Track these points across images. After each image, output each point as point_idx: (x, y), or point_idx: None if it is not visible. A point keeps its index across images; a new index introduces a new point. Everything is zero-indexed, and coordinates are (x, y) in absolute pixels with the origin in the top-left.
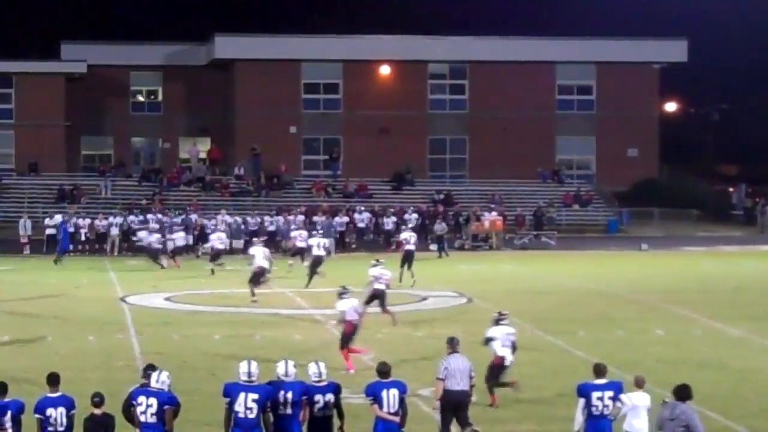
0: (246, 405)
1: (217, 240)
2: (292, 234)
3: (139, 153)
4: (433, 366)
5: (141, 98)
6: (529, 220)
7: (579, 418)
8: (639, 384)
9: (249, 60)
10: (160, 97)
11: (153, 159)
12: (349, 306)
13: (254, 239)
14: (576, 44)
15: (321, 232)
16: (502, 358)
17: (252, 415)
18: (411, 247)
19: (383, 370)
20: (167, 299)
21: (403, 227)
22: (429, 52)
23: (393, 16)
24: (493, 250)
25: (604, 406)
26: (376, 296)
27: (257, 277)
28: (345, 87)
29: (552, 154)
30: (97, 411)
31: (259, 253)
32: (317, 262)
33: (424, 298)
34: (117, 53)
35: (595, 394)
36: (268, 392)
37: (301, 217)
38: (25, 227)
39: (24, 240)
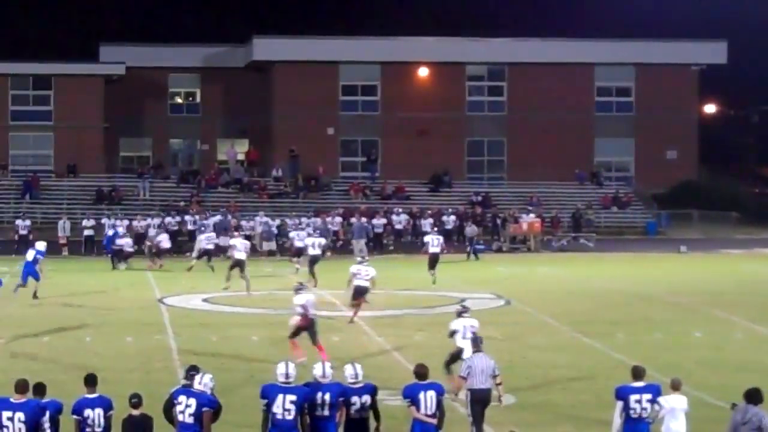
0: (284, 406)
1: (205, 240)
2: (291, 234)
3: (177, 155)
4: None
5: (179, 100)
6: (567, 222)
7: (617, 421)
8: (675, 386)
9: (287, 62)
10: (198, 99)
11: (191, 161)
12: (305, 300)
13: (236, 232)
14: (615, 46)
15: (317, 232)
16: (461, 350)
17: (290, 417)
18: (436, 249)
19: (421, 372)
20: (205, 300)
21: (429, 230)
22: (467, 53)
23: (431, 17)
24: (531, 252)
25: (642, 409)
26: (359, 293)
27: (236, 267)
28: (383, 89)
29: (590, 156)
30: (135, 412)
31: (239, 245)
32: (314, 261)
33: (462, 300)
34: (155, 55)
35: (633, 397)
36: (306, 394)
37: (308, 220)
38: (64, 228)
39: (63, 241)
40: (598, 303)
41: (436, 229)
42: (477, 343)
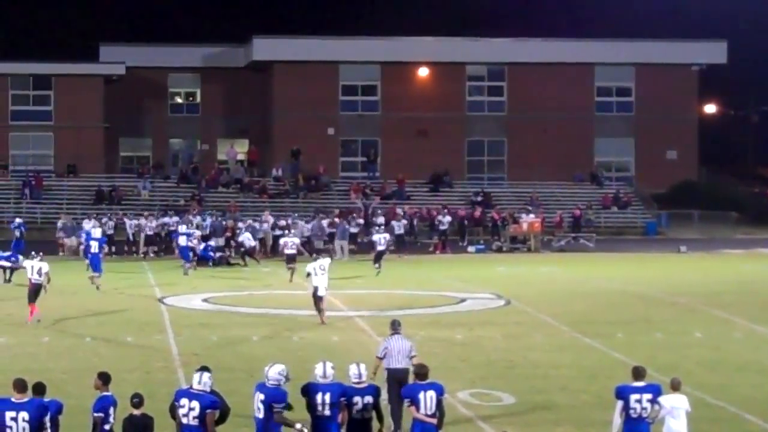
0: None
1: (247, 240)
2: (282, 241)
3: (178, 154)
4: (472, 368)
5: (179, 100)
6: (567, 222)
7: (617, 421)
8: (675, 387)
9: (287, 62)
10: (198, 99)
11: (191, 160)
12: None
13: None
14: (615, 46)
15: (291, 233)
16: (316, 288)
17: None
18: (382, 247)
19: (421, 372)
20: (205, 300)
21: (374, 229)
22: (467, 53)
23: (431, 17)
24: (531, 252)
25: (642, 408)
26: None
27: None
28: (383, 89)
29: (590, 156)
30: (136, 412)
31: (289, 242)
32: (291, 258)
33: (462, 300)
34: (155, 55)
35: (634, 397)
36: (341, 390)
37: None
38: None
39: (62, 242)
40: (598, 303)
41: (383, 227)
42: (395, 326)
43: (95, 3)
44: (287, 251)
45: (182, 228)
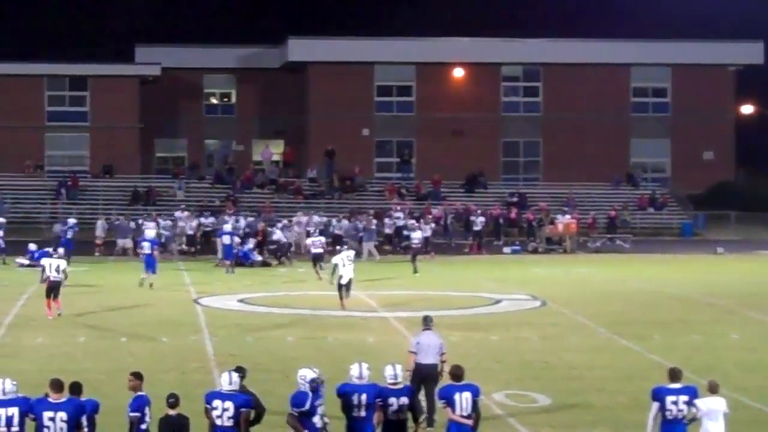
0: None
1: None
2: (308, 241)
3: (213, 155)
4: (507, 369)
5: (214, 101)
6: (603, 222)
7: (650, 423)
8: (712, 389)
9: (322, 62)
10: (233, 100)
11: (226, 161)
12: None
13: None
14: (651, 46)
15: (316, 232)
16: (341, 277)
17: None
18: (319, 249)
19: (456, 373)
20: (241, 301)
21: (410, 225)
22: (502, 54)
23: (466, 18)
24: (567, 254)
25: (679, 410)
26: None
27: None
28: (418, 89)
29: (626, 157)
30: (172, 412)
31: (317, 242)
32: (317, 257)
33: (498, 301)
34: (191, 56)
35: (670, 399)
36: (377, 391)
37: (315, 219)
38: (102, 229)
39: (99, 242)
40: (634, 304)
41: (318, 230)
42: (427, 321)
43: (131, 4)
44: (314, 250)
45: (227, 227)
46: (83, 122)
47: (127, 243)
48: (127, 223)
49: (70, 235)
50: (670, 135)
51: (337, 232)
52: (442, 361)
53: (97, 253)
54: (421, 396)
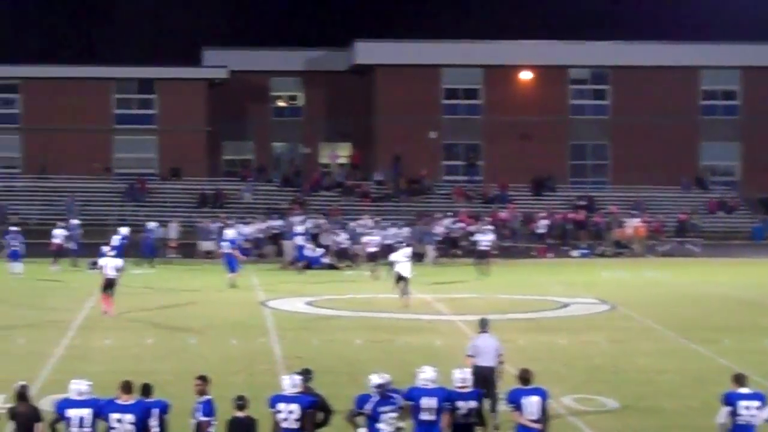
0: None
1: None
2: (364, 240)
3: (280, 158)
4: (576, 373)
5: (282, 103)
6: (673, 226)
7: (720, 424)
8: None
9: (389, 65)
10: (300, 103)
11: (293, 164)
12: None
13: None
14: (721, 49)
15: (374, 232)
16: (398, 273)
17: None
18: (374, 249)
19: (525, 377)
20: (308, 303)
21: (479, 228)
22: (570, 57)
23: (534, 20)
24: (636, 257)
25: (751, 415)
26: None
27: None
28: (485, 92)
29: (696, 160)
30: (240, 414)
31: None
32: (372, 257)
33: (566, 305)
34: (258, 59)
35: (743, 404)
36: (446, 395)
37: (367, 221)
38: (175, 231)
39: (173, 244)
40: (704, 308)
41: (487, 228)
42: (483, 324)
43: (198, 7)
44: (369, 249)
45: (300, 228)
46: (151, 125)
47: (209, 246)
48: (210, 225)
49: (152, 238)
50: (740, 138)
51: (388, 241)
52: (500, 362)
53: (171, 255)
54: None
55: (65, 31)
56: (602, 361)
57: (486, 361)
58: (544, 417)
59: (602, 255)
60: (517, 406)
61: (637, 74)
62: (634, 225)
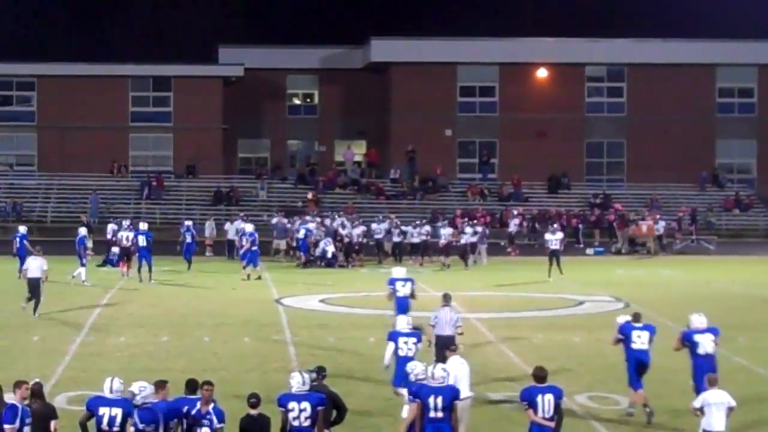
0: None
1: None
2: (442, 232)
3: (295, 156)
4: (590, 371)
5: (297, 101)
6: (687, 224)
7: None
8: None
9: (405, 63)
10: (316, 100)
11: (308, 162)
12: None
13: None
14: (737, 46)
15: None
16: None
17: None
18: (555, 246)
19: (539, 375)
20: (322, 301)
21: (549, 228)
22: (586, 54)
23: (550, 18)
24: (651, 255)
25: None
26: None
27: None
28: (501, 90)
29: (712, 158)
30: (253, 412)
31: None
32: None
33: (581, 303)
34: (273, 57)
35: (635, 333)
36: (454, 392)
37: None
38: (211, 230)
39: (209, 242)
40: (719, 306)
41: (557, 227)
42: (446, 299)
43: (214, 5)
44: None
45: (310, 226)
46: (167, 123)
47: (281, 245)
48: (285, 223)
49: (189, 238)
50: (756, 136)
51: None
52: (458, 333)
53: (208, 254)
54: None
55: (81, 29)
56: (616, 359)
57: (445, 331)
58: (558, 416)
59: (617, 253)
60: (531, 404)
61: (653, 72)
62: (649, 223)
